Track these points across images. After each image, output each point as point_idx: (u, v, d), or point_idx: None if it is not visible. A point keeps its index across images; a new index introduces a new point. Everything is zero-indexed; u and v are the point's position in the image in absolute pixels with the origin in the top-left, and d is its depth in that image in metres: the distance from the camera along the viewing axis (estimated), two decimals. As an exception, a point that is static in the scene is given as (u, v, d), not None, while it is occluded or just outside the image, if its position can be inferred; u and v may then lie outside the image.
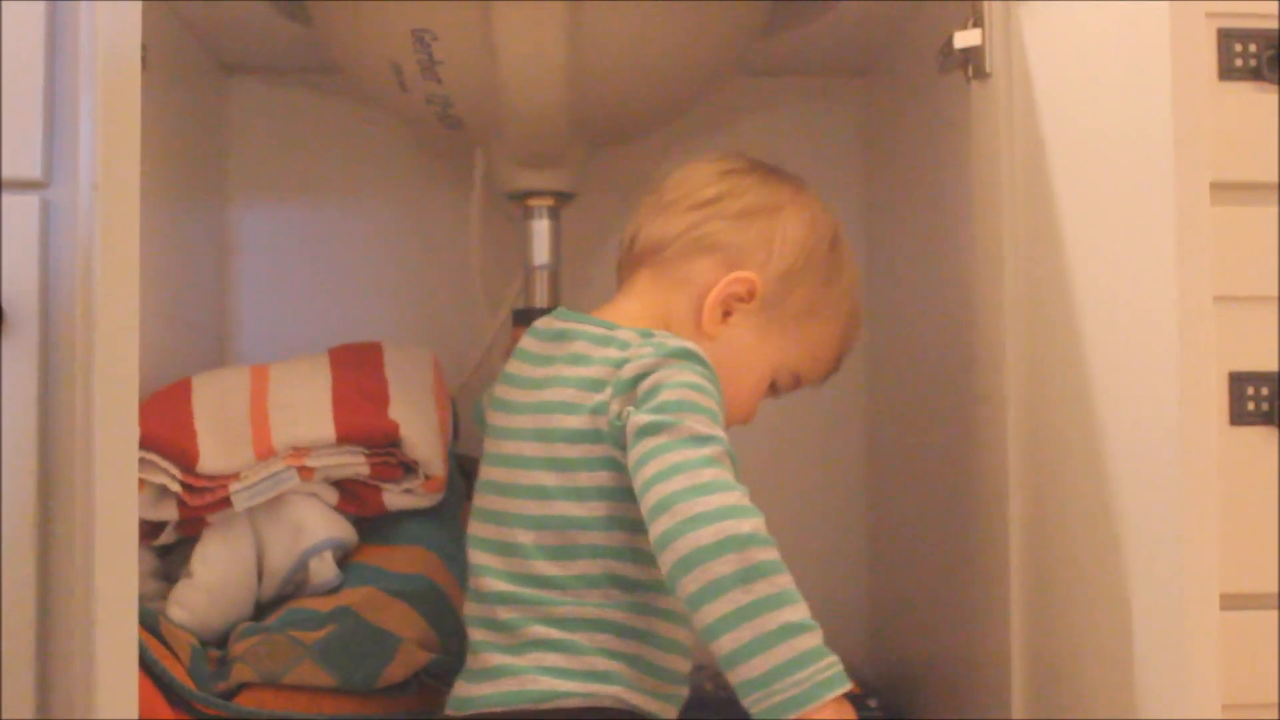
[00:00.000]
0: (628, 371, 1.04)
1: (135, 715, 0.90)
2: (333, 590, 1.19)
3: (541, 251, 1.51)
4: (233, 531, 1.19)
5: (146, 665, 1.06)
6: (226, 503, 1.17)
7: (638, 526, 0.99)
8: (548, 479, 1.05)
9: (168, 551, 1.23)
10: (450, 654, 1.14)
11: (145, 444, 1.11)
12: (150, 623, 1.11)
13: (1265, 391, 1.11)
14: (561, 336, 1.13)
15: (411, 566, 1.20)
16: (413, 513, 1.25)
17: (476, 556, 1.08)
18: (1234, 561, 1.08)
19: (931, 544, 1.38)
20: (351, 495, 1.23)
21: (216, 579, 1.18)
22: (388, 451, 1.22)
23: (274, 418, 1.22)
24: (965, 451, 1.26)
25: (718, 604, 0.93)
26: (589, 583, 1.04)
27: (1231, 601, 1.07)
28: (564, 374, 1.09)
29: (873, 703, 1.44)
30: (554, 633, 1.03)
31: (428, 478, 1.24)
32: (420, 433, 1.22)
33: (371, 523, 1.25)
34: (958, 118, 1.25)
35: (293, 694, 1.11)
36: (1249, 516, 1.10)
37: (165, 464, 1.15)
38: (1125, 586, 0.94)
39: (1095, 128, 1.01)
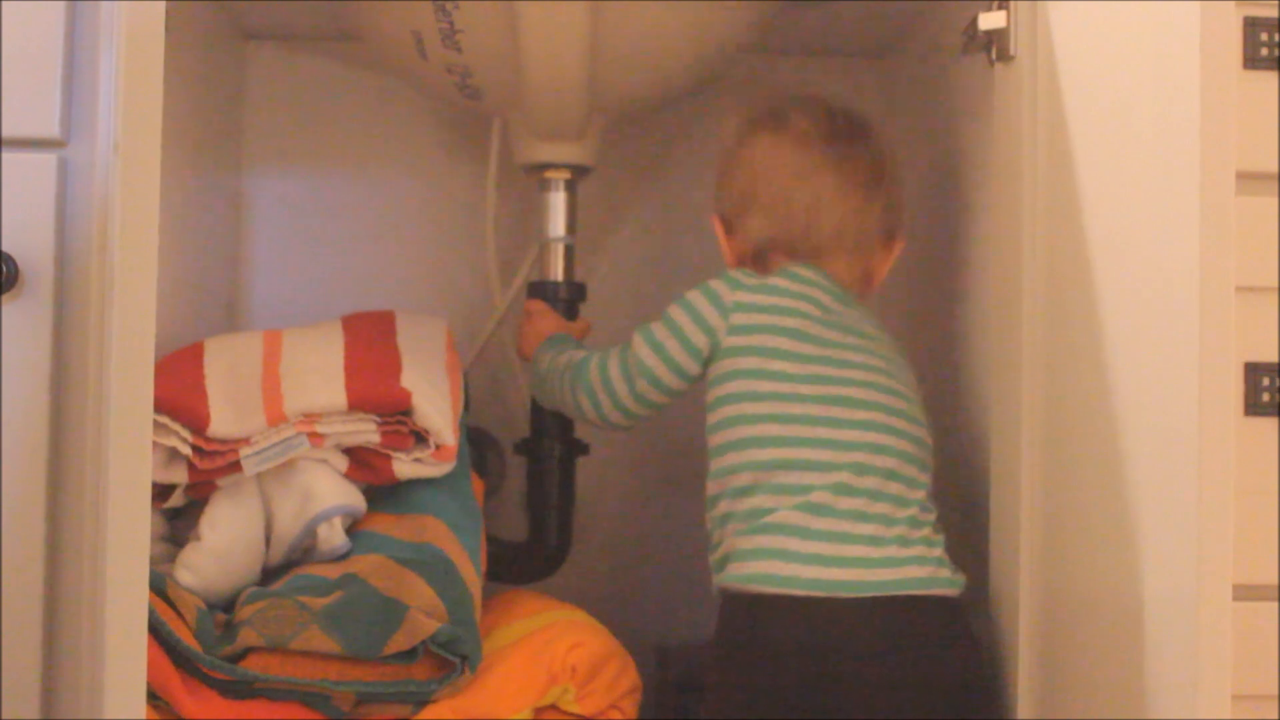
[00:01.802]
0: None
1: (144, 670, 0.90)
2: (341, 557, 1.19)
3: (557, 224, 1.51)
4: (242, 496, 1.19)
5: (153, 627, 1.06)
6: (236, 467, 1.17)
7: None
8: (914, 426, 1.23)
9: (176, 515, 1.23)
10: (457, 623, 1.13)
11: (157, 406, 1.10)
12: (157, 585, 1.11)
13: (1280, 383, 1.11)
14: (849, 303, 1.28)
15: (420, 535, 1.20)
16: (422, 482, 1.25)
17: (858, 480, 1.18)
18: (1245, 553, 1.07)
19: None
20: (361, 463, 1.22)
21: (224, 543, 1.18)
22: (399, 420, 1.21)
23: (286, 383, 1.21)
24: (979, 439, 1.26)
25: None
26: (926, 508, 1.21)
27: (1242, 593, 1.07)
28: (878, 337, 1.28)
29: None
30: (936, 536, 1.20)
31: (438, 447, 1.23)
32: (432, 401, 1.22)
33: (381, 491, 1.24)
34: (980, 100, 1.24)
35: (298, 659, 1.11)
36: (1261, 508, 1.10)
37: (176, 426, 1.15)
38: (1138, 575, 0.94)
39: (1120, 114, 1.00)
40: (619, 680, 1.22)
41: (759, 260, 1.30)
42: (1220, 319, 0.87)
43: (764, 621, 1.14)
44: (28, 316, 1.09)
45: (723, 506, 1.20)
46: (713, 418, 1.23)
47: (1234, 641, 0.88)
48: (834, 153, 1.28)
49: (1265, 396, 1.11)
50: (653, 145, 1.70)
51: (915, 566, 1.15)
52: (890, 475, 1.18)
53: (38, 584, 1.09)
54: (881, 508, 1.17)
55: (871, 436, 1.19)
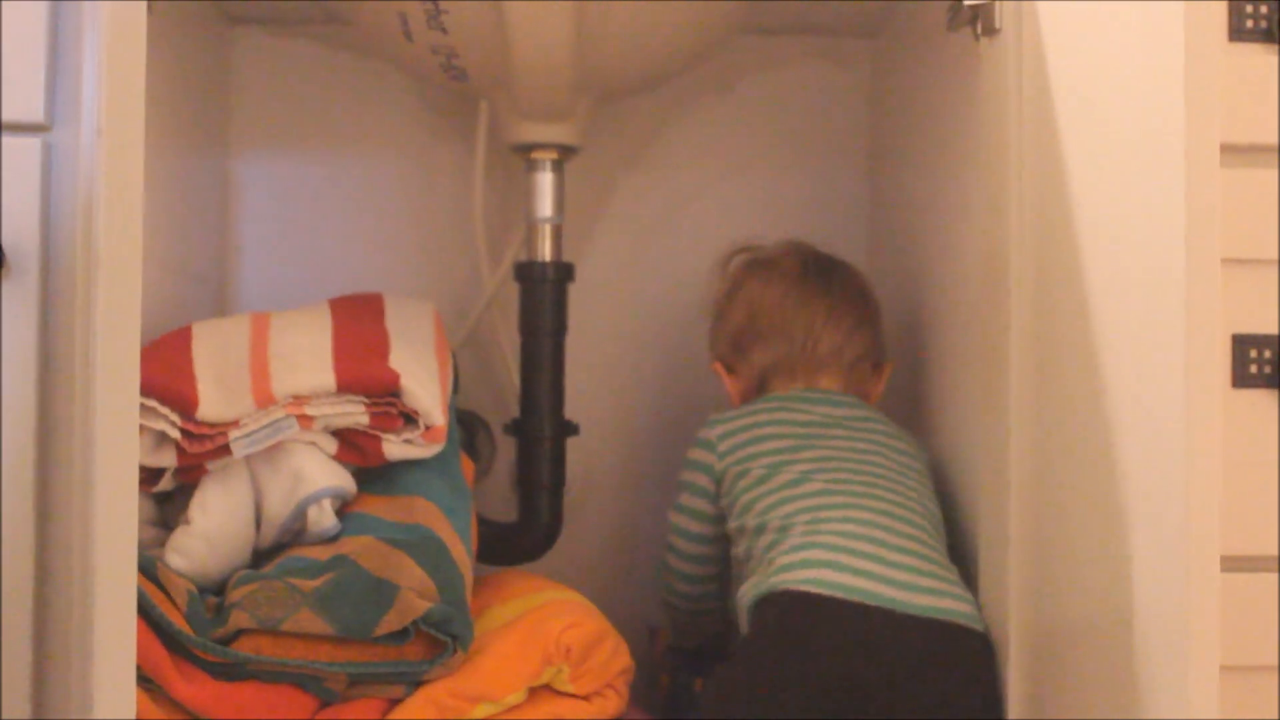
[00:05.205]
0: None
1: (134, 654, 0.90)
2: (331, 539, 1.19)
3: (544, 205, 1.51)
4: (231, 479, 1.19)
5: (143, 610, 1.06)
6: (225, 450, 1.17)
7: None
8: (919, 504, 1.26)
9: (166, 499, 1.23)
10: (448, 603, 1.13)
11: (145, 390, 1.11)
12: (148, 569, 1.10)
13: (1268, 354, 1.11)
14: (845, 405, 1.37)
15: (410, 516, 1.20)
16: (412, 463, 1.25)
17: (883, 520, 1.22)
18: (1234, 524, 1.08)
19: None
20: (351, 445, 1.22)
21: (214, 526, 1.18)
22: (388, 401, 1.21)
23: (274, 366, 1.21)
24: (965, 411, 1.26)
25: None
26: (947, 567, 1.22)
27: (1231, 564, 1.07)
28: (880, 431, 1.35)
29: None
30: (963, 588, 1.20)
31: (428, 428, 1.23)
32: (420, 383, 1.22)
33: (371, 473, 1.24)
34: (966, 75, 1.24)
35: (290, 641, 1.11)
36: (1249, 479, 1.10)
37: (165, 410, 1.15)
38: (1127, 548, 0.94)
39: (1105, 87, 1.00)
40: (613, 660, 1.23)
41: (762, 389, 1.40)
42: (1207, 291, 0.87)
43: (815, 619, 1.14)
44: (13, 301, 1.09)
45: (758, 546, 1.24)
46: (731, 522, 1.30)
47: (1223, 612, 0.88)
48: (823, 284, 1.40)
49: (1253, 368, 1.11)
50: (641, 125, 1.70)
51: (952, 600, 1.17)
52: (911, 526, 1.22)
53: (27, 569, 1.08)
54: (914, 546, 1.20)
55: (878, 494, 1.24)
